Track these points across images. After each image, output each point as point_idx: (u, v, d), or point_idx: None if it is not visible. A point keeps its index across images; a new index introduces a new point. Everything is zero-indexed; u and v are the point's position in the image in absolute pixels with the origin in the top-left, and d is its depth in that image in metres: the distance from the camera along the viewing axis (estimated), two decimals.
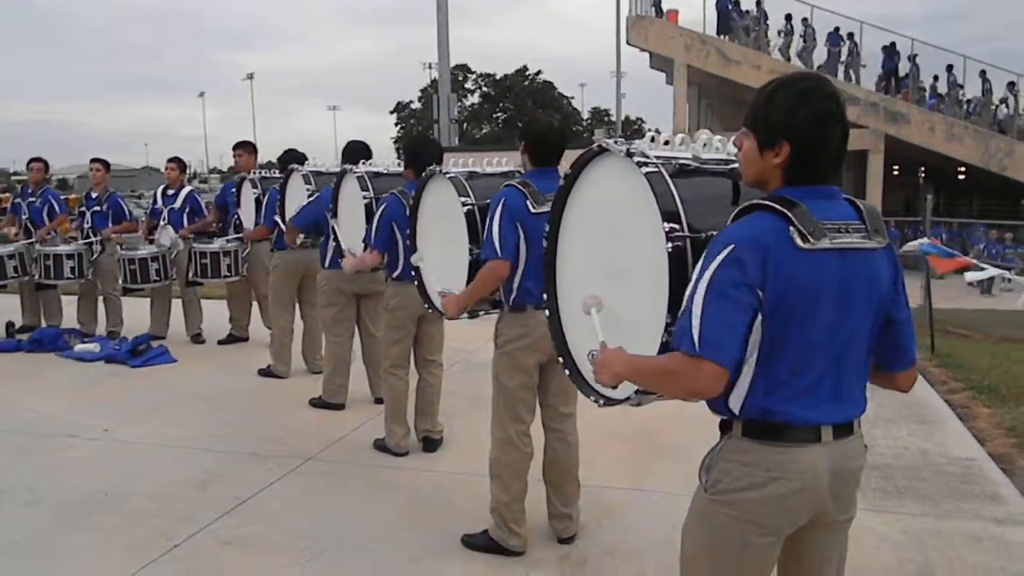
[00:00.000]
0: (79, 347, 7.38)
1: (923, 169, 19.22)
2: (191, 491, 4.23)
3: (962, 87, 20.49)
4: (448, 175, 3.75)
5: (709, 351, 1.75)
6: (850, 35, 20.27)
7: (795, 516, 1.93)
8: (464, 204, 3.61)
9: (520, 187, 3.33)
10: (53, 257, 7.68)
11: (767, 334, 1.81)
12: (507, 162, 4.05)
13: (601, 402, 2.39)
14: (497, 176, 3.84)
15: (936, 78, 20.78)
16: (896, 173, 22.34)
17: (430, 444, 4.82)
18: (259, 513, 3.97)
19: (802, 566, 2.06)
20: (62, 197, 8.60)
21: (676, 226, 2.02)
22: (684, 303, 1.83)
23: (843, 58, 20.24)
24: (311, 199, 5.57)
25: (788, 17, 20.81)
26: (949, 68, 20.19)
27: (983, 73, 20.31)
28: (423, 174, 3.97)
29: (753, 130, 1.91)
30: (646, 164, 2.14)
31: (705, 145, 2.32)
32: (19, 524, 3.86)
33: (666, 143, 2.35)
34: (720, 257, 1.78)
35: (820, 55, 20.49)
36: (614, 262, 2.35)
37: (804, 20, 20.55)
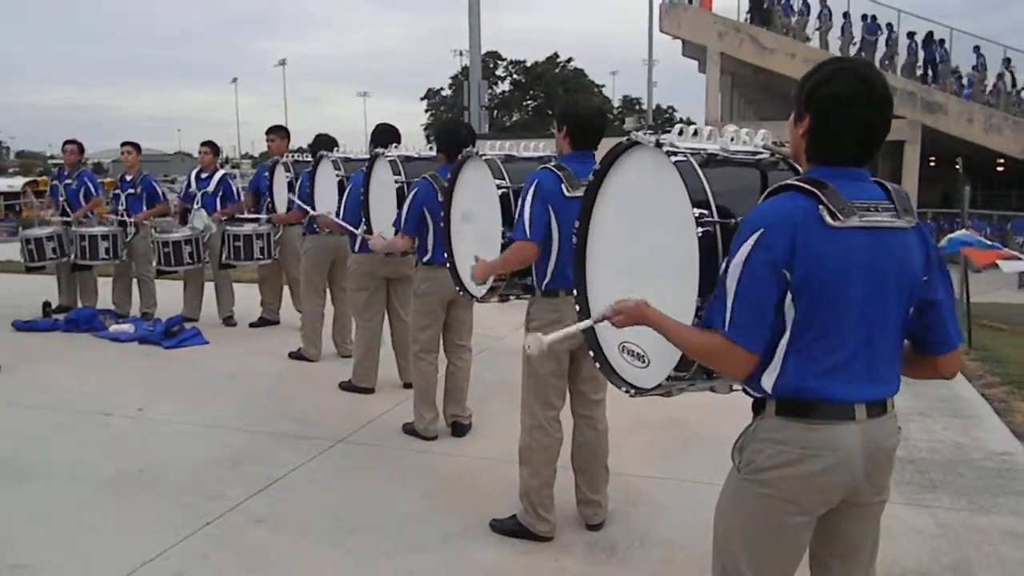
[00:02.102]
0: (114, 327, 7.50)
1: (960, 161, 18.89)
2: (224, 470, 4.28)
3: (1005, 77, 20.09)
4: (484, 157, 3.73)
5: (738, 335, 1.84)
6: (889, 25, 19.95)
7: (828, 494, 1.92)
8: (499, 187, 3.59)
9: (555, 170, 3.31)
10: (89, 238, 7.81)
11: (799, 312, 1.84)
12: (543, 147, 4.02)
13: (632, 392, 2.41)
14: (533, 160, 3.81)
15: (975, 68, 20.39)
16: (933, 164, 21.96)
17: (459, 429, 4.83)
18: (290, 493, 4.01)
19: (834, 550, 2.05)
20: (99, 181, 8.71)
21: (706, 212, 2.05)
22: (717, 285, 1.89)
23: (881, 47, 19.94)
24: (348, 192, 5.49)
25: (805, 4, 20.56)
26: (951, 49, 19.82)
27: (976, 48, 19.97)
28: (459, 156, 3.95)
29: (794, 102, 1.98)
30: (675, 154, 2.17)
31: (733, 138, 2.33)
32: (55, 498, 3.93)
33: (695, 135, 2.36)
34: (751, 241, 1.82)
35: (857, 44, 20.20)
36: (644, 251, 2.37)
37: (839, 11, 20.28)
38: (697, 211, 2.04)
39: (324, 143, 6.46)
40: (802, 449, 1.88)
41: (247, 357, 6.74)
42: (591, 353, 2.57)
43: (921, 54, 20.06)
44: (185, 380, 6.01)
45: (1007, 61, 19.90)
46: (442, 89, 56.66)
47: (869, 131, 1.88)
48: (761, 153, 2.30)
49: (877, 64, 19.18)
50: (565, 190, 3.25)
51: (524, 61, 56.28)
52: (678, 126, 2.41)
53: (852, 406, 1.88)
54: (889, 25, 20.02)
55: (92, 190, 8.28)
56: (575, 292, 2.68)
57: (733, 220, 2.03)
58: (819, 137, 1.90)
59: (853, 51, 19.76)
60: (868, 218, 1.84)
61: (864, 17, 20.32)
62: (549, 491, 3.49)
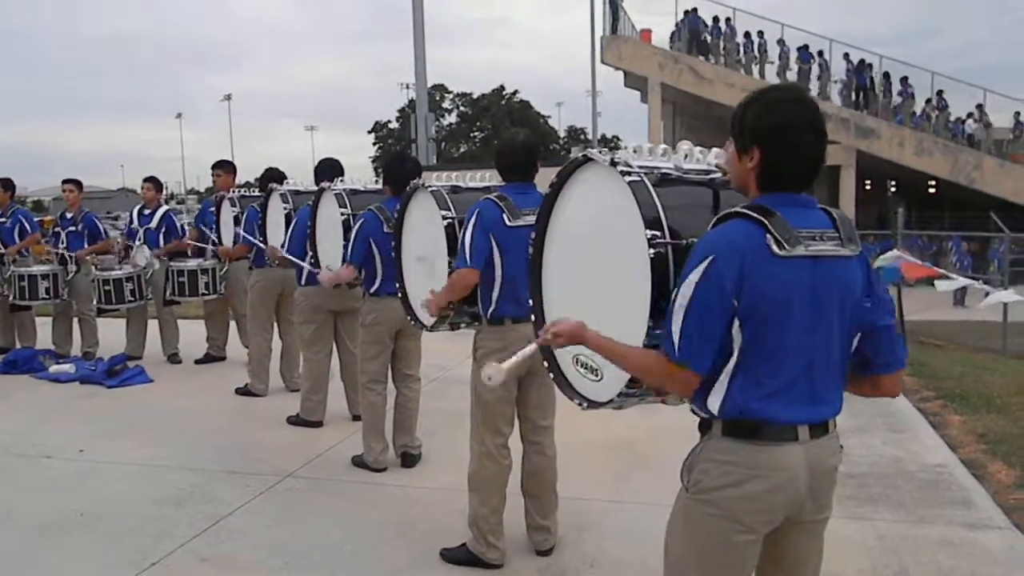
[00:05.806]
0: (54, 368, 7.30)
1: (894, 183, 19.61)
2: (168, 509, 4.19)
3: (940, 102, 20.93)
4: (430, 188, 3.78)
5: (685, 358, 1.87)
6: (820, 52, 20.68)
7: (773, 513, 1.97)
8: (444, 217, 3.64)
9: (496, 200, 3.37)
10: (28, 278, 7.60)
11: (745, 337, 1.89)
12: (489, 178, 4.09)
13: (585, 405, 2.42)
14: (479, 191, 3.86)
15: (901, 94, 21.22)
16: (868, 188, 22.69)
17: (409, 459, 4.81)
18: (237, 530, 3.95)
19: (780, 566, 2.10)
20: (37, 219, 8.50)
21: (658, 233, 2.06)
22: (669, 309, 1.91)
23: (815, 75, 20.63)
24: (294, 226, 5.48)
25: (750, 34, 21.22)
26: (904, 80, 20.78)
27: (902, 78, 20.95)
28: (407, 188, 4.00)
29: (733, 137, 2.00)
30: (629, 173, 2.18)
31: (686, 156, 2.36)
32: None
33: (649, 153, 2.39)
34: (700, 268, 1.85)
35: (791, 73, 20.87)
36: (598, 269, 2.38)
37: (773, 40, 20.97)
38: (649, 232, 2.05)
39: (273, 177, 6.45)
40: (748, 469, 1.92)
41: (193, 394, 6.62)
42: (545, 364, 2.57)
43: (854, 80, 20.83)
44: (129, 420, 5.88)
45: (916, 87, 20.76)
46: (389, 122, 56.70)
47: (817, 155, 1.93)
48: (714, 172, 2.31)
49: (813, 91, 19.87)
50: (507, 219, 3.31)
51: (471, 93, 56.72)
52: (632, 145, 2.44)
53: (795, 427, 1.93)
54: (824, 53, 20.77)
55: (27, 227, 8.07)
56: (532, 313, 2.69)
57: (685, 241, 2.05)
58: (773, 166, 1.92)
59: (790, 78, 20.40)
60: (813, 247, 1.88)
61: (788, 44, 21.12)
62: (498, 518, 3.51)
